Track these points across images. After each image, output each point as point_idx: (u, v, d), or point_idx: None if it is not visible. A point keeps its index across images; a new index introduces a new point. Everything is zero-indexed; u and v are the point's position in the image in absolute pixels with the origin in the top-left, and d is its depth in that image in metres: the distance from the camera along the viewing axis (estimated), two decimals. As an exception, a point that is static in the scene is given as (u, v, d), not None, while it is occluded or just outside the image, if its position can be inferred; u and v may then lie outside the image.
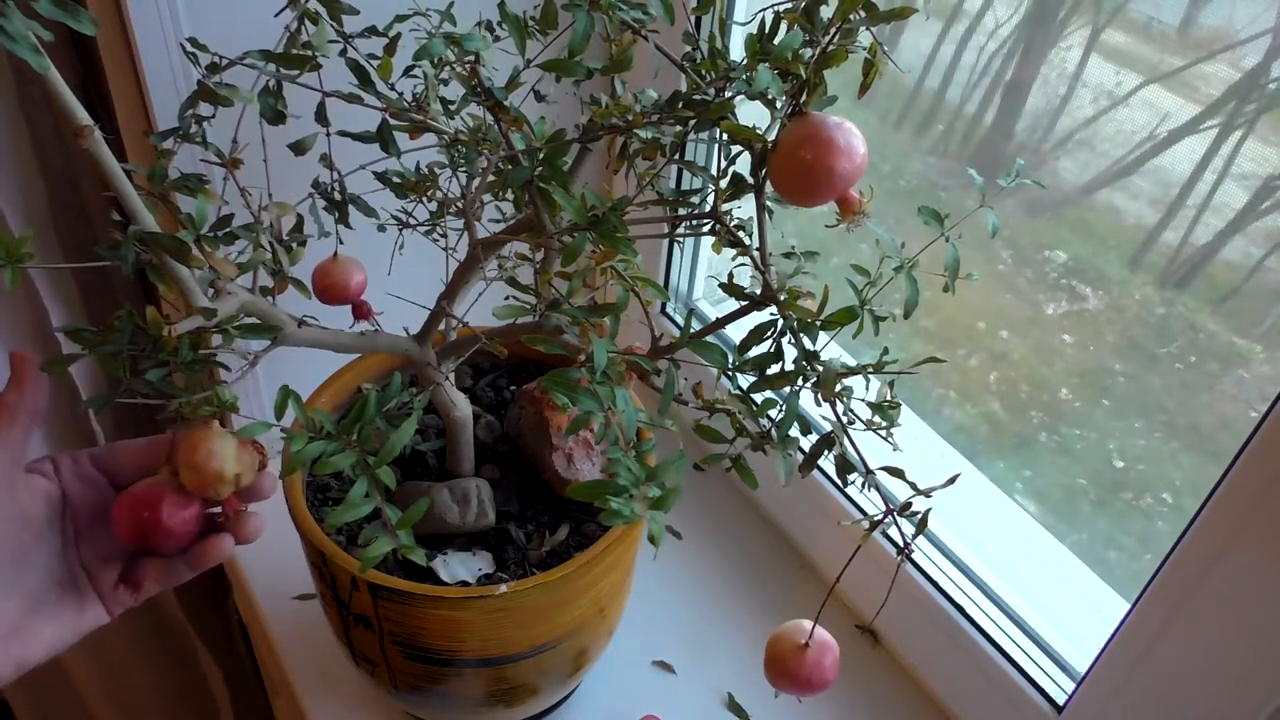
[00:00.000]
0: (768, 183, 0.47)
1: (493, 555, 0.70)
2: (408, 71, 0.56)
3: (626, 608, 0.77)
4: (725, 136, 0.49)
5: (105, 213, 0.92)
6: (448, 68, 0.53)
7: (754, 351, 0.51)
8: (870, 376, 0.50)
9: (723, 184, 0.51)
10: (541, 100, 0.65)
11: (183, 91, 0.76)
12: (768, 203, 0.49)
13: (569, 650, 0.70)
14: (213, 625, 1.22)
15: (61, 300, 0.90)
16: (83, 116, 0.41)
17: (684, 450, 0.47)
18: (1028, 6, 0.87)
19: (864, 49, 0.45)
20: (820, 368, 0.49)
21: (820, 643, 0.55)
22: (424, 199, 0.65)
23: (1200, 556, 0.60)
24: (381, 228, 0.67)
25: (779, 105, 0.45)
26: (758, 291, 0.50)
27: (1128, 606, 0.67)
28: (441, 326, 0.66)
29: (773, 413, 0.53)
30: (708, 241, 0.99)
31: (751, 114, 0.48)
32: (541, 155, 0.49)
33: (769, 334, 0.50)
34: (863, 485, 0.49)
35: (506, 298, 0.54)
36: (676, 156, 0.57)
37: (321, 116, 0.57)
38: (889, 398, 0.50)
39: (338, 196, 0.62)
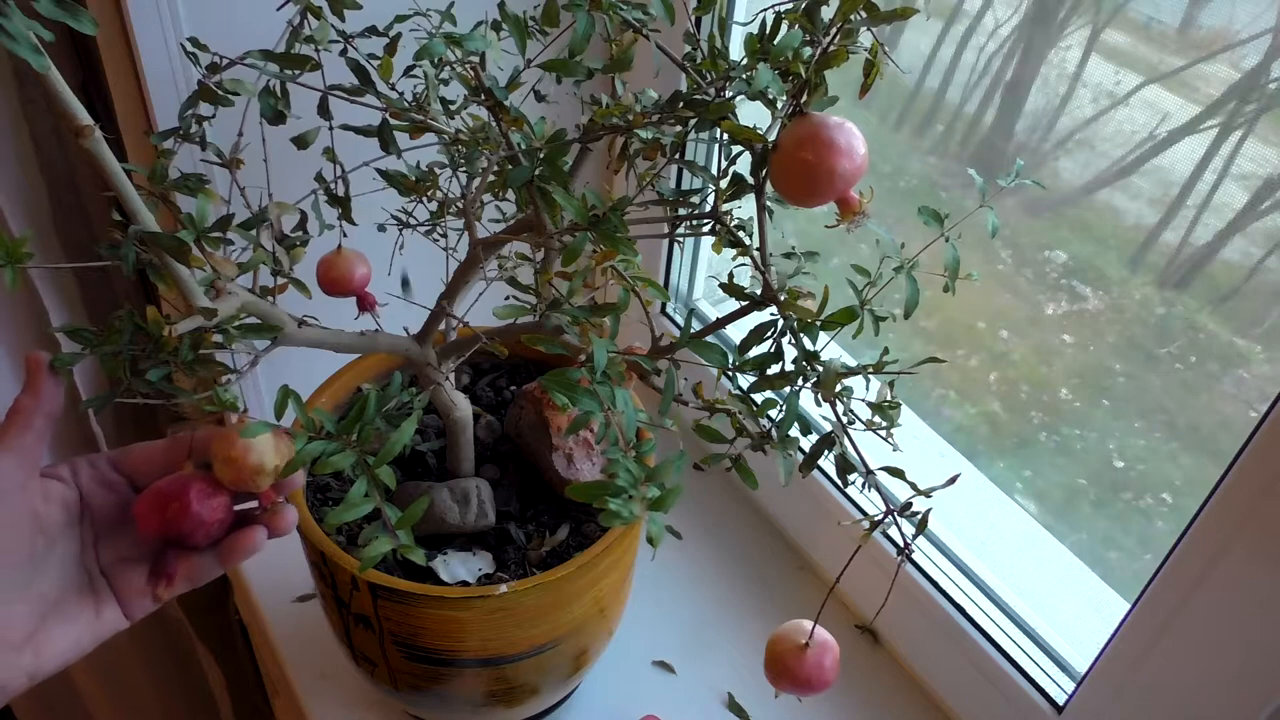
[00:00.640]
0: (768, 183, 0.47)
1: (493, 555, 0.70)
2: (408, 71, 0.56)
3: (626, 608, 0.77)
4: (725, 136, 0.49)
5: (105, 213, 0.92)
6: (448, 68, 0.53)
7: (754, 351, 0.51)
8: (870, 376, 0.50)
9: (723, 184, 0.51)
10: (542, 100, 0.65)
11: (183, 91, 0.76)
12: (768, 203, 0.49)
13: (569, 650, 0.70)
14: (213, 625, 1.22)
15: (61, 300, 0.90)
16: (83, 116, 0.41)
17: (684, 450, 0.47)
18: (1028, 6, 0.87)
19: (865, 49, 0.45)
20: (820, 368, 0.49)
21: (820, 643, 0.55)
22: (424, 199, 0.65)
23: (1200, 556, 0.60)
24: (382, 227, 0.67)
25: (779, 105, 0.45)
26: (758, 291, 0.50)
27: (1128, 606, 0.67)
28: (442, 326, 0.66)
29: (773, 413, 0.53)
30: (708, 241, 1.00)
31: (752, 114, 0.48)
32: (542, 155, 0.49)
33: (769, 334, 0.50)
34: (863, 485, 0.49)
35: (507, 298, 0.54)
36: (677, 156, 0.57)
37: (324, 110, 0.57)
38: (889, 398, 0.50)
39: (340, 192, 0.62)
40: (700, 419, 0.53)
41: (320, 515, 0.68)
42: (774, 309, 0.50)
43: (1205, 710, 0.64)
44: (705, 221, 0.53)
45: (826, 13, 0.44)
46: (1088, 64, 0.83)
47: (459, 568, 0.68)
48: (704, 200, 0.56)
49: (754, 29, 0.45)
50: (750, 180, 0.49)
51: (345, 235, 0.64)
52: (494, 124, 0.52)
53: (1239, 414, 0.84)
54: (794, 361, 0.49)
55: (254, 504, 0.53)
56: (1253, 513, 0.57)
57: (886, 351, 0.50)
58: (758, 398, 0.53)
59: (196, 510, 0.49)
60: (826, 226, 0.49)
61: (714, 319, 0.56)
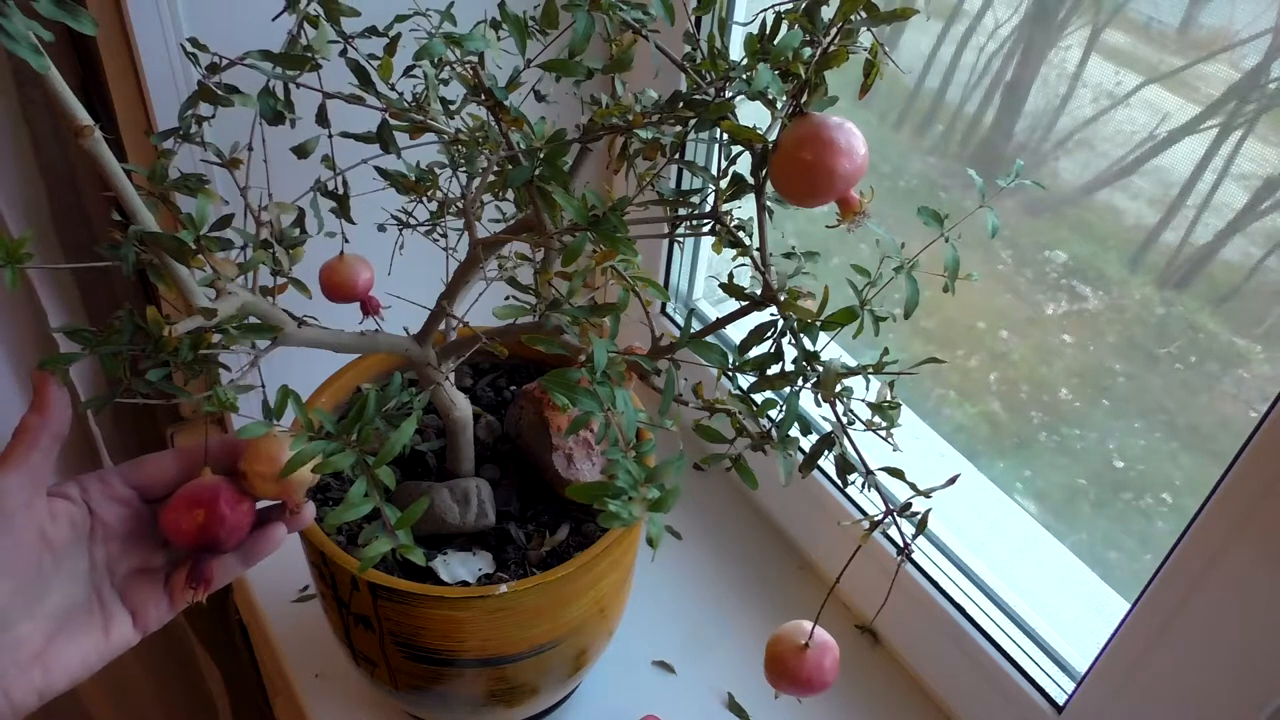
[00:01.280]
0: (768, 183, 0.47)
1: (493, 555, 0.70)
2: (408, 71, 0.56)
3: (626, 608, 0.77)
4: (725, 136, 0.49)
5: (105, 213, 0.92)
6: (448, 68, 0.53)
7: (754, 351, 0.51)
8: (870, 377, 0.50)
9: (723, 184, 0.51)
10: (542, 100, 0.65)
11: (183, 91, 0.76)
12: (768, 203, 0.49)
13: (569, 650, 0.70)
14: (213, 626, 1.22)
15: (61, 300, 0.90)
16: (83, 116, 0.41)
17: (684, 450, 0.47)
18: (1028, 6, 0.87)
19: (864, 49, 0.45)
20: (820, 368, 0.48)
21: (820, 643, 0.55)
22: (424, 199, 0.65)
23: (1200, 556, 0.60)
24: (382, 228, 0.67)
25: (779, 105, 0.45)
26: (758, 291, 0.50)
27: (1128, 606, 0.67)
28: (442, 326, 0.66)
29: (773, 413, 0.53)
30: (708, 241, 1.00)
31: (752, 114, 0.48)
32: (542, 155, 0.49)
33: (769, 334, 0.50)
34: (863, 485, 0.49)
35: (507, 298, 0.54)
36: (676, 156, 0.57)
37: (322, 118, 0.57)
38: (889, 398, 0.50)
39: (340, 191, 0.62)
40: (700, 419, 0.53)
41: (320, 515, 0.68)
42: (774, 309, 0.50)
43: (1205, 710, 0.64)
44: (705, 221, 0.53)
45: (826, 13, 0.44)
46: (1088, 64, 0.83)
47: (459, 568, 0.68)
48: (704, 200, 0.56)
49: (754, 29, 0.45)
50: (750, 180, 0.49)
51: (347, 240, 0.64)
52: (494, 124, 0.52)
53: (1239, 414, 0.84)
54: (794, 361, 0.49)
55: (270, 503, 0.54)
56: (1253, 513, 0.57)
57: (886, 352, 0.50)
58: (758, 398, 0.53)
59: (229, 516, 0.50)
60: (826, 226, 0.49)
61: (714, 319, 0.56)
